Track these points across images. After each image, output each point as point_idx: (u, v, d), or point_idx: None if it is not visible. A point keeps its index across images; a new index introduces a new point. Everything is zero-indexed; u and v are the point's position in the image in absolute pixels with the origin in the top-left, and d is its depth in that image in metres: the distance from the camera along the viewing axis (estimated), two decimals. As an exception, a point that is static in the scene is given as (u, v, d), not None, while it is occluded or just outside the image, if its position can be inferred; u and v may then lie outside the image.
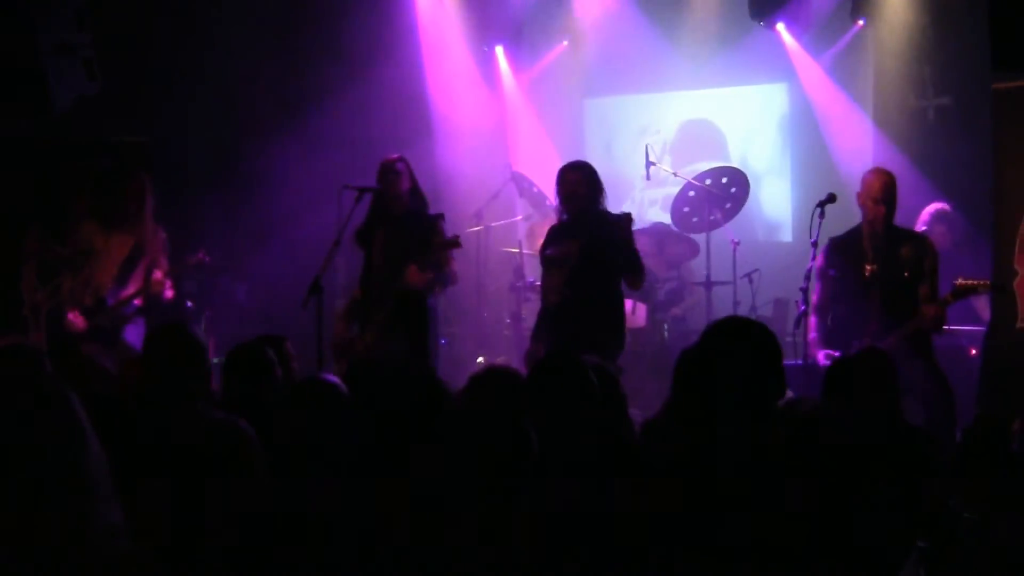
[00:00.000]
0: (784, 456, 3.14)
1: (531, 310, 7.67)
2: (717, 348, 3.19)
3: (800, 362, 6.37)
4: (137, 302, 7.03)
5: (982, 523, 3.45)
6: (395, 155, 7.05)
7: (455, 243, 6.75)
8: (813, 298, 6.58)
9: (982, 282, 6.26)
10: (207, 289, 8.73)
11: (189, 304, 8.64)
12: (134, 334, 6.94)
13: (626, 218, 6.60)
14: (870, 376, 4.17)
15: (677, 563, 2.95)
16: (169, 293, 7.11)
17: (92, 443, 2.41)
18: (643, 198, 10.87)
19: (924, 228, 7.73)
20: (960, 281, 6.22)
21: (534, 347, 6.64)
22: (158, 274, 7.02)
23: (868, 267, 6.41)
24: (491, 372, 4.11)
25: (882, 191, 6.36)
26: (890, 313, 6.32)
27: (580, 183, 6.56)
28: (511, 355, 8.65)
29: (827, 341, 6.46)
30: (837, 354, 6.12)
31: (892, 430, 3.96)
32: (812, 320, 6.53)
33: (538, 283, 7.24)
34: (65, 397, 2.42)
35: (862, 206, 6.47)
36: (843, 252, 6.54)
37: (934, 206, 7.93)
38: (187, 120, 9.24)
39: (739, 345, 3.16)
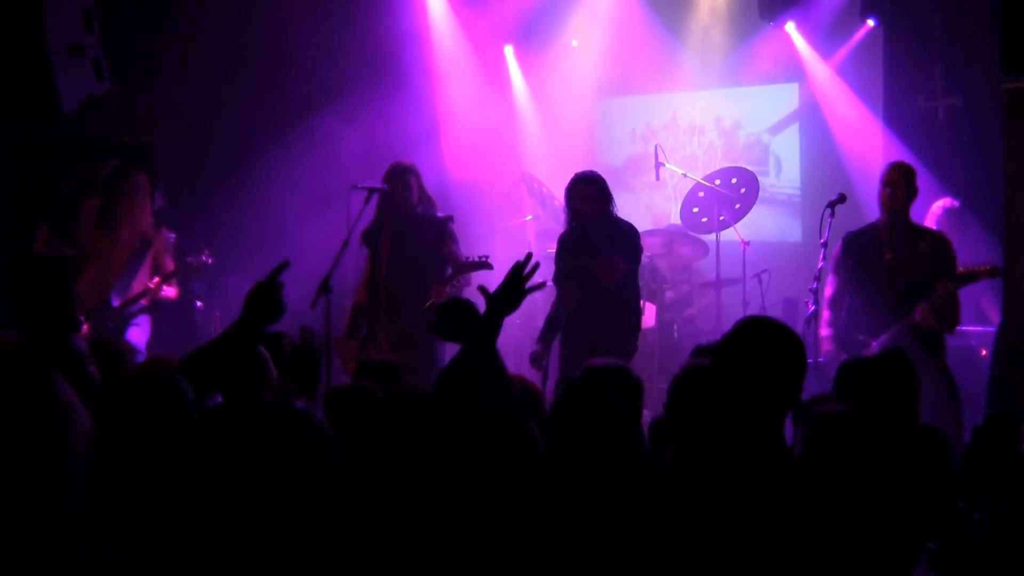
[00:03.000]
0: (792, 458, 3.13)
1: (540, 311, 7.64)
2: (746, 348, 3.15)
3: (810, 360, 6.37)
4: (143, 302, 7.05)
5: (992, 525, 3.44)
6: (407, 162, 7.00)
7: (485, 265, 6.62)
8: (828, 291, 6.58)
9: (985, 267, 6.22)
10: (216, 289, 8.75)
11: (199, 304, 8.66)
12: (137, 335, 6.96)
13: (630, 228, 6.60)
14: (890, 379, 4.13)
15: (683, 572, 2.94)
16: (169, 292, 7.12)
17: (72, 440, 2.39)
18: (651, 198, 10.86)
19: (934, 225, 7.71)
20: (963, 268, 6.22)
21: (540, 348, 6.61)
22: (155, 279, 7.05)
23: (887, 255, 6.41)
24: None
25: (896, 173, 6.39)
26: (905, 305, 6.27)
27: (588, 199, 6.46)
28: (519, 356, 8.62)
29: (839, 335, 6.45)
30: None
31: (907, 432, 3.93)
32: (826, 315, 6.51)
33: (547, 284, 7.20)
34: (43, 396, 2.40)
35: (880, 197, 6.47)
36: (860, 242, 6.54)
37: (943, 202, 7.89)
38: (195, 121, 9.25)
39: (768, 348, 3.13)
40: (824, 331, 6.50)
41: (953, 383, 6.15)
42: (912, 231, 6.46)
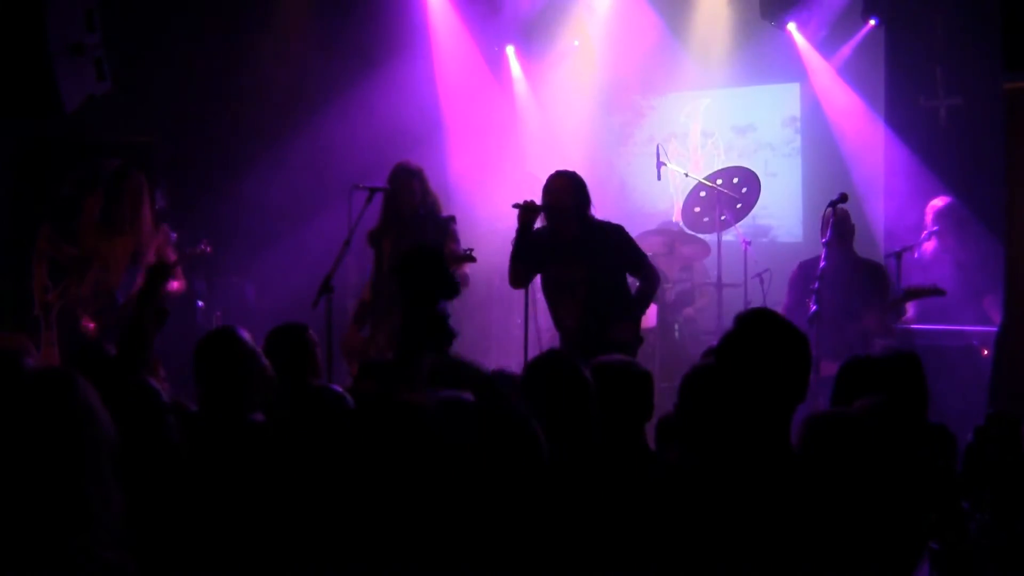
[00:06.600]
0: (799, 458, 3.12)
1: (541, 310, 7.63)
2: (748, 342, 3.14)
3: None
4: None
5: (994, 524, 3.43)
6: (411, 165, 6.99)
7: (469, 258, 6.60)
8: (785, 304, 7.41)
9: (926, 288, 6.90)
10: (217, 289, 8.74)
11: (200, 304, 8.65)
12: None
13: (619, 228, 6.52)
14: (901, 377, 4.12)
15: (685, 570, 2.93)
16: (175, 284, 7.11)
17: (93, 445, 2.38)
18: (653, 198, 10.85)
19: (932, 225, 7.73)
20: (907, 288, 6.96)
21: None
22: None
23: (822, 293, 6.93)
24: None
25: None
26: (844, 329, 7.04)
27: (564, 192, 6.38)
28: (521, 356, 8.60)
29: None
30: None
31: (915, 431, 3.92)
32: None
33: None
34: (66, 400, 2.40)
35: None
36: (809, 269, 7.29)
37: (940, 201, 7.88)
38: (196, 120, 9.25)
39: (771, 341, 3.11)
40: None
41: None
42: (855, 265, 7.22)
